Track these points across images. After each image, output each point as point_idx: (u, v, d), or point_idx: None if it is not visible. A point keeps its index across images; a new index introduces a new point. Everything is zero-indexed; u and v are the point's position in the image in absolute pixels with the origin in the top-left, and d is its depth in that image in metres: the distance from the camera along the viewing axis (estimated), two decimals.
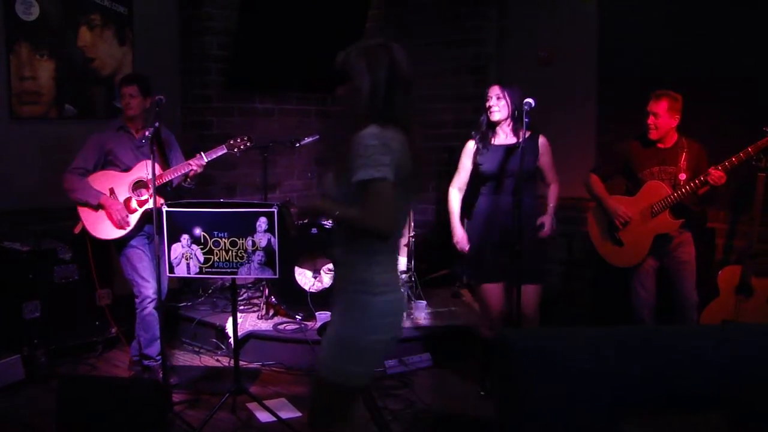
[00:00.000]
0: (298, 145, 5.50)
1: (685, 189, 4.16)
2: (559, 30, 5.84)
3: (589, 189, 4.53)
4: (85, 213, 4.51)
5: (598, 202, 4.53)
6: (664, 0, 5.27)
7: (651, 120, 4.25)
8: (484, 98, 4.13)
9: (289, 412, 4.10)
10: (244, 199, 6.25)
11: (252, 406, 4.15)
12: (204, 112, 6.21)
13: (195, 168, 4.56)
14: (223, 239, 3.76)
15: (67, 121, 5.49)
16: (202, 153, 4.60)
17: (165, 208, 3.80)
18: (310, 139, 5.55)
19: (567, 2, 5.81)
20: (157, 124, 3.97)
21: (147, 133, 3.97)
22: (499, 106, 4.03)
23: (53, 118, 5.42)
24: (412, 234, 5.74)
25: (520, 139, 3.93)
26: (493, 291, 4.13)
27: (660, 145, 4.31)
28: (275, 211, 3.73)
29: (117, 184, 4.51)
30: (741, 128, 4.47)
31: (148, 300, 4.51)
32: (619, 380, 1.86)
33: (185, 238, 3.77)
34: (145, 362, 4.67)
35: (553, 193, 4.23)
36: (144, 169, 4.47)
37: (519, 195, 3.78)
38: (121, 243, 4.55)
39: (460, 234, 4.22)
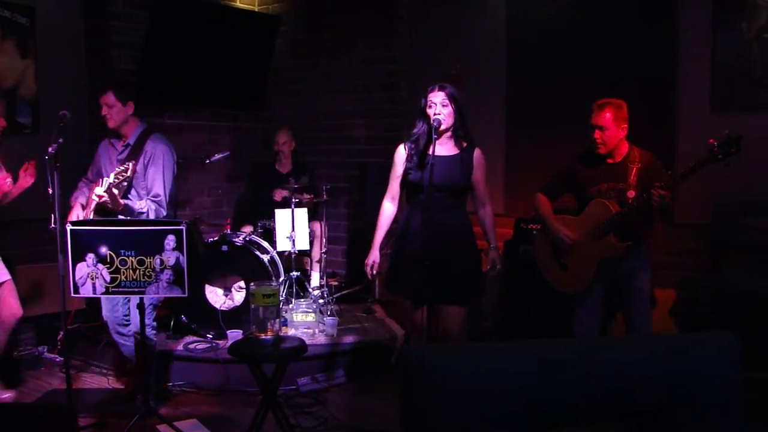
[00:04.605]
0: (208, 161, 5.44)
1: (630, 209, 3.76)
2: (469, 46, 6.01)
3: (536, 208, 4.20)
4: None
5: (542, 223, 4.22)
6: (571, 14, 5.53)
7: (597, 134, 3.86)
8: (422, 104, 3.76)
9: None
10: None
11: (162, 428, 4.05)
12: None
13: (95, 198, 4.15)
14: (130, 258, 3.68)
15: None
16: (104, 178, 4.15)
17: (69, 227, 3.70)
18: (221, 155, 5.50)
19: (476, 19, 5.99)
20: (61, 140, 3.84)
21: (51, 150, 3.78)
22: (444, 114, 3.69)
23: None
24: (324, 250, 5.74)
25: (459, 150, 3.79)
26: (417, 310, 3.82)
27: (609, 160, 3.93)
28: (183, 228, 3.68)
29: (88, 201, 4.25)
30: (651, 138, 4.63)
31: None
32: (523, 396, 1.90)
33: (90, 257, 3.67)
34: None
35: (489, 220, 3.94)
36: (98, 186, 4.15)
37: (429, 211, 3.60)
38: None
39: (373, 256, 3.92)
